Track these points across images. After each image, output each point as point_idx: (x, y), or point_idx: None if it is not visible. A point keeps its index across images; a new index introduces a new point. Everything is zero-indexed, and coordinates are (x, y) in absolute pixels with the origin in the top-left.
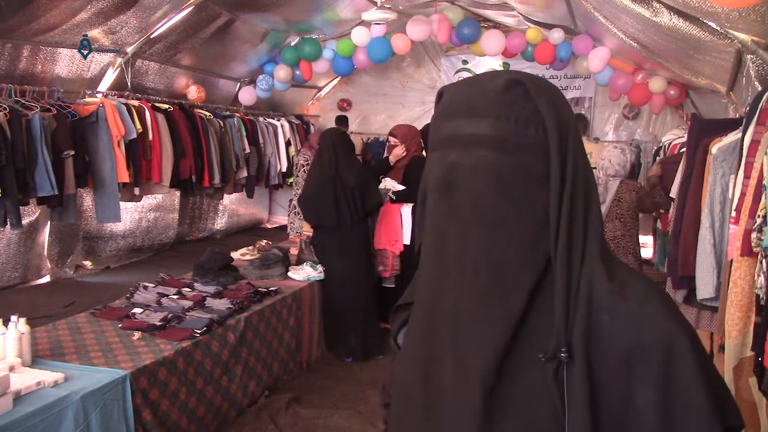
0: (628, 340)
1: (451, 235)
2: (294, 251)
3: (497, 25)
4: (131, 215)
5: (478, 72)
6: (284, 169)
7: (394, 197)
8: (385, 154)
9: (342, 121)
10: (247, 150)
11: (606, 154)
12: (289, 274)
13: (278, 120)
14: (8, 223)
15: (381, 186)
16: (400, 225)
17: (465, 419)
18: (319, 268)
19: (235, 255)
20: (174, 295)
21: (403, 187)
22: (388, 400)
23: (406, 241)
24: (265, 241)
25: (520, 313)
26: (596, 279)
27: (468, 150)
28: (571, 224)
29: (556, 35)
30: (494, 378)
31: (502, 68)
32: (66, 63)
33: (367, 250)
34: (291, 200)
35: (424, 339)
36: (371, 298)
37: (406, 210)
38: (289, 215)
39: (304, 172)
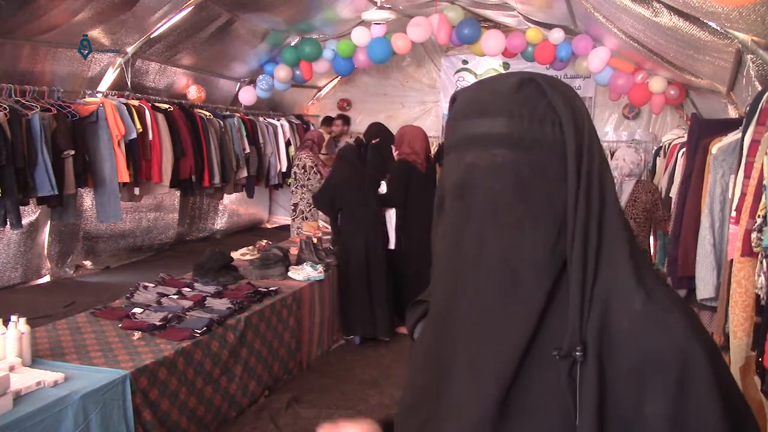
0: (646, 348)
1: (469, 236)
2: (294, 251)
3: (497, 25)
4: (131, 215)
5: (478, 72)
6: (284, 169)
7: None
8: None
9: (327, 122)
10: (247, 150)
11: (620, 153)
12: (289, 274)
13: (278, 120)
14: (8, 223)
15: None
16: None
17: (478, 419)
18: (319, 267)
19: (235, 255)
20: (174, 295)
21: (385, 191)
22: None
23: (392, 245)
24: (265, 241)
25: (537, 315)
26: (620, 283)
27: (484, 149)
28: (587, 224)
29: (556, 35)
30: (510, 380)
31: (502, 68)
32: (66, 63)
33: (383, 233)
34: (296, 205)
35: (438, 339)
36: (386, 278)
37: (390, 214)
38: (294, 219)
39: (315, 173)
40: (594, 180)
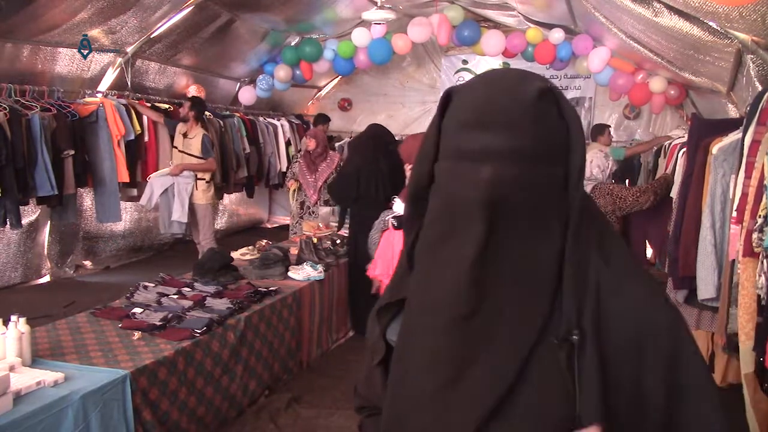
0: (637, 322)
1: (492, 244)
2: (294, 251)
3: (497, 25)
4: (131, 215)
5: (478, 72)
6: (284, 169)
7: (396, 223)
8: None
9: (322, 119)
10: (247, 150)
11: (589, 155)
12: (289, 274)
13: (278, 120)
14: (8, 222)
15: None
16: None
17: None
18: (319, 267)
19: (235, 255)
20: (174, 294)
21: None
22: (363, 404)
23: None
24: (265, 241)
25: (546, 314)
26: (601, 266)
27: (507, 163)
28: (579, 227)
29: (556, 35)
30: (516, 374)
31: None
32: (66, 63)
33: None
34: (294, 214)
35: (445, 335)
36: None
37: None
38: (292, 226)
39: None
40: (584, 182)
